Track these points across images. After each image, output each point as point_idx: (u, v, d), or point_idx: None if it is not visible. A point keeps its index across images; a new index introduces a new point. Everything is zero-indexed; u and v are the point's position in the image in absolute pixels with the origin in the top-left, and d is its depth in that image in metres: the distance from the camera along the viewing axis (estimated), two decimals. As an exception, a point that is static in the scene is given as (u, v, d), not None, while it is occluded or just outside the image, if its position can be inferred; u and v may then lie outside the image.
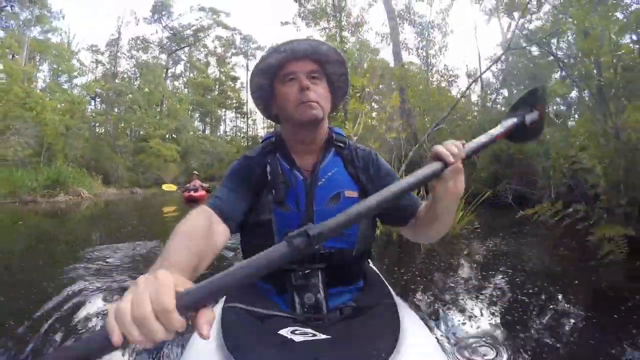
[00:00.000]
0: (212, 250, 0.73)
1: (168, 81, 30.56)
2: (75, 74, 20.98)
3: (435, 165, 0.68)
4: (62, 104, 16.61)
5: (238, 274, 0.44)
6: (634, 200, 3.56)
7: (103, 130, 21.26)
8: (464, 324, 1.95)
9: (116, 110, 24.06)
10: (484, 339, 1.77)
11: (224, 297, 0.91)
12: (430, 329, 1.68)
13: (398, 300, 0.96)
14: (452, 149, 0.69)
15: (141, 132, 23.53)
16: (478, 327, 1.90)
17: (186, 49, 32.32)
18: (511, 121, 0.80)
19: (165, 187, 14.88)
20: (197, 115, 35.51)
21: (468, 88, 8.89)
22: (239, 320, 0.80)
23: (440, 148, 0.69)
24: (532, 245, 4.10)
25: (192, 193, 9.52)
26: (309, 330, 0.76)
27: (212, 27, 30.02)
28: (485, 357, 1.66)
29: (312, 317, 0.87)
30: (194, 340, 0.79)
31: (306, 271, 0.88)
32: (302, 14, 13.80)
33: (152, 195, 14.88)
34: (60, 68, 20.05)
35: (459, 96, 7.80)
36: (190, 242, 0.66)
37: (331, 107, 1.00)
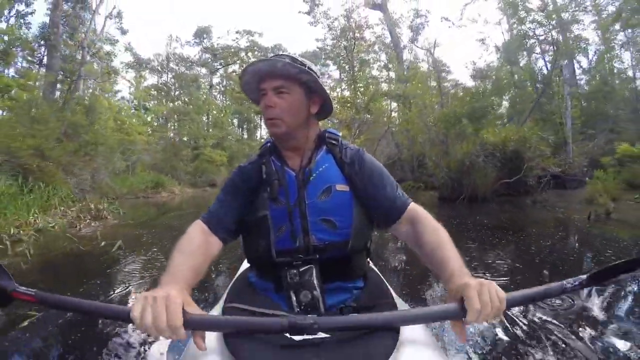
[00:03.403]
0: (207, 261, 0.95)
1: (202, 88, 36.42)
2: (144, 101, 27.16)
3: (454, 310, 0.68)
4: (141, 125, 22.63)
5: (233, 323, 0.69)
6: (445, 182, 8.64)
7: (165, 143, 27.09)
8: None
9: (169, 125, 30.25)
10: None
11: (223, 299, 1.07)
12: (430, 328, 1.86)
13: (398, 300, 1.04)
14: (486, 307, 0.66)
15: (194, 142, 29.37)
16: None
17: (223, 62, 37.98)
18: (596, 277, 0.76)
19: None
20: (236, 122, 41.12)
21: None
22: None
23: (472, 300, 0.67)
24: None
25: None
26: None
27: (249, 49, 35.34)
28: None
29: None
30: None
31: (301, 269, 0.96)
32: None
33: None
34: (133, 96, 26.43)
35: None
36: (191, 260, 0.88)
37: (322, 111, 1.12)
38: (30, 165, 8.92)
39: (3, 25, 15.12)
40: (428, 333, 0.89)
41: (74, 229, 6.07)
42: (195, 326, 0.67)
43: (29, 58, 16.85)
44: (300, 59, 1.06)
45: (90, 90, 17.95)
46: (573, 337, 1.97)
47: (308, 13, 19.88)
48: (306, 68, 1.03)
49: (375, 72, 23.27)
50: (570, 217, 5.83)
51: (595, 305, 2.40)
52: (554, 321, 2.15)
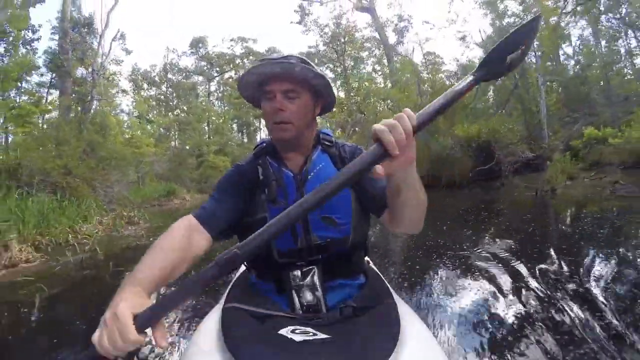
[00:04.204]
0: (188, 260, 0.90)
1: (201, 96, 37.86)
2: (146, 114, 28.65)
3: (376, 150, 0.66)
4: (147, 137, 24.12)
5: (175, 296, 0.65)
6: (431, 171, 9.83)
7: (171, 153, 28.55)
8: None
9: (171, 134, 31.81)
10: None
11: (223, 300, 1.06)
12: (430, 328, 1.79)
13: (398, 299, 1.04)
14: (395, 127, 0.65)
15: (198, 150, 30.80)
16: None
17: (219, 70, 39.39)
18: (488, 67, 0.74)
19: None
20: (235, 126, 42.45)
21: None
22: (239, 321, 0.87)
23: (378, 128, 0.66)
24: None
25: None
26: (309, 329, 0.82)
27: (244, 55, 36.65)
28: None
29: (311, 317, 0.93)
30: (195, 341, 0.89)
31: (303, 269, 0.99)
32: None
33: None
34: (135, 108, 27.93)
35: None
36: (164, 256, 0.84)
37: (321, 111, 1.15)
38: (61, 183, 10.31)
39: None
40: (428, 333, 0.91)
41: (116, 232, 7.42)
42: (147, 323, 0.64)
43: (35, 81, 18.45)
44: (308, 61, 1.05)
45: (94, 108, 19.30)
46: (573, 330, 1.97)
47: (299, 22, 21.33)
48: (319, 72, 1.04)
49: (369, 68, 24.79)
50: (523, 195, 7.14)
51: (594, 290, 2.48)
52: (555, 315, 2.18)
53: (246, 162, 1.15)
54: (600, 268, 2.85)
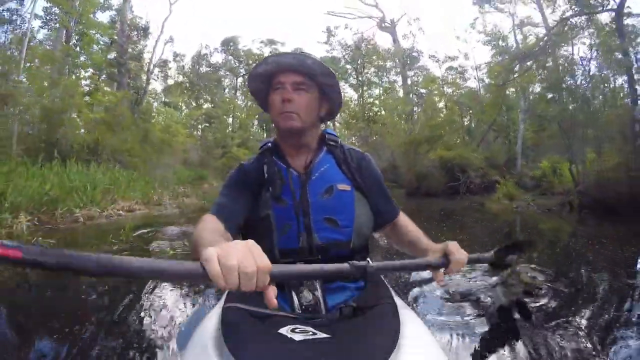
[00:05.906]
0: None
1: (227, 91, 41.26)
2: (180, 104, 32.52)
3: (438, 261, 0.95)
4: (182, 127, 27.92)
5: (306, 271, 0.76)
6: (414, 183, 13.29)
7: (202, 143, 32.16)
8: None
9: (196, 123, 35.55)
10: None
11: (224, 298, 1.09)
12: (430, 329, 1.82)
13: (398, 300, 1.09)
14: (459, 258, 0.95)
15: (223, 142, 34.33)
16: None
17: (247, 68, 42.66)
18: (498, 256, 1.11)
19: None
20: (256, 122, 45.69)
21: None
22: (239, 320, 0.90)
23: (457, 253, 0.96)
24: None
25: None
26: (309, 328, 0.84)
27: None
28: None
29: (312, 316, 0.97)
30: (195, 340, 0.93)
31: None
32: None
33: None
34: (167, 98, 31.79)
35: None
36: (219, 236, 0.91)
37: (327, 115, 1.21)
38: (128, 161, 13.82)
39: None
40: (428, 333, 0.96)
41: (180, 200, 10.79)
42: (278, 275, 0.62)
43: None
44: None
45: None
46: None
47: (325, 42, 24.91)
48: (330, 69, 1.11)
49: (391, 78, 28.08)
50: (463, 206, 10.43)
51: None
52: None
53: (251, 162, 1.20)
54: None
